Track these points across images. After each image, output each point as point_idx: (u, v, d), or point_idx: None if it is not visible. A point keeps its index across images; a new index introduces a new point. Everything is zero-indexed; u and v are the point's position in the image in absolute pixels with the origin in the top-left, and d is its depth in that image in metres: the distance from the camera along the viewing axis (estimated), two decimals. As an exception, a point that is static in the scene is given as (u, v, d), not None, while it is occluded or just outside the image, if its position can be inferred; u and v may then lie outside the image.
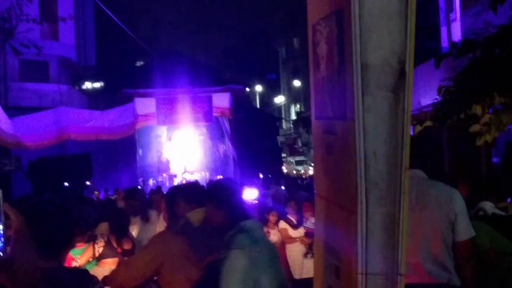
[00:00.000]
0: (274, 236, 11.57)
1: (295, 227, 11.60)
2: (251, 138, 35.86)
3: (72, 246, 3.94)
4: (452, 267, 4.81)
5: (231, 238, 4.30)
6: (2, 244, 1.92)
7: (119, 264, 5.77)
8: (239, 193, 4.81)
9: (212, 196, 4.64)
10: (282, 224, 11.78)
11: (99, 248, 7.93)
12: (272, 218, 11.81)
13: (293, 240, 11.59)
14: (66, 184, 24.88)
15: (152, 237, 5.42)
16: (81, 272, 3.08)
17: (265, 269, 4.20)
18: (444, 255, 4.78)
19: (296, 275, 11.39)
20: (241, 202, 4.64)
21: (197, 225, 4.65)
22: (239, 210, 4.48)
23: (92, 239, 8.22)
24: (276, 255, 4.55)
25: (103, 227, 8.57)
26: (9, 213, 1.97)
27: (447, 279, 4.76)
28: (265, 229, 11.48)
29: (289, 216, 11.87)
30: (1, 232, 1.94)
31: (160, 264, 4.53)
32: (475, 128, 9.94)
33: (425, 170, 4.99)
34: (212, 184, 5.54)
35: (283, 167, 52.76)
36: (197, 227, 4.63)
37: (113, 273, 4.82)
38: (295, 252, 11.48)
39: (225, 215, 4.44)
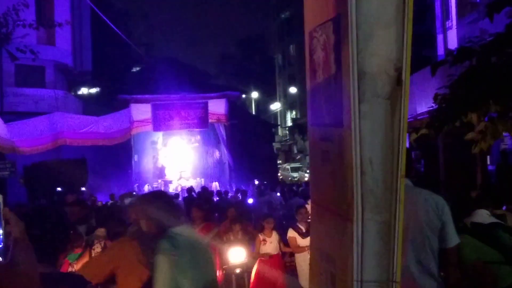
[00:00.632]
0: (270, 244, 11.32)
1: (304, 235, 11.04)
2: (246, 144, 35.80)
3: (66, 251, 4.01)
4: (438, 274, 4.83)
5: (158, 243, 4.73)
6: (2, 248, 1.92)
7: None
8: (168, 203, 5.19)
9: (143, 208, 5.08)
10: (291, 232, 11.33)
11: (96, 253, 7.91)
12: (267, 225, 11.45)
13: (301, 249, 11.06)
14: (59, 189, 24.70)
15: (114, 241, 6.27)
16: (77, 277, 3.09)
17: (185, 272, 4.62)
18: (431, 262, 4.80)
19: (305, 285, 11.04)
20: (170, 210, 5.01)
21: (146, 231, 5.07)
22: (168, 219, 4.90)
23: (89, 245, 8.20)
24: (199, 259, 4.88)
25: (101, 232, 8.55)
26: (9, 218, 1.97)
27: (434, 287, 4.77)
28: (261, 237, 11.33)
29: (299, 224, 11.33)
30: (1, 237, 1.93)
31: (116, 266, 5.02)
32: (471, 136, 9.95)
33: (410, 178, 5.00)
34: (144, 196, 5.93)
35: (279, 174, 52.72)
36: (148, 233, 5.03)
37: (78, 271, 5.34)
38: (304, 262, 10.82)
39: (155, 225, 4.91)
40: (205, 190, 24.39)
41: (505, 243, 5.71)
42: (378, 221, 2.88)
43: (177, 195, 23.94)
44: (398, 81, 2.81)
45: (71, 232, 7.95)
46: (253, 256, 11.28)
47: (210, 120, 31.96)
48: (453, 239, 4.88)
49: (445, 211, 4.89)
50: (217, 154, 36.06)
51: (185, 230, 4.95)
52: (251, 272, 11.37)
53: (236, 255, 10.97)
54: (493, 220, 6.10)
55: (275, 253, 11.37)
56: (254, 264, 11.38)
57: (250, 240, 11.66)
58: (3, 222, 1.93)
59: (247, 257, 11.09)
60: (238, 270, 11.01)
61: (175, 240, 4.70)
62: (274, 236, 11.46)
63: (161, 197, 5.34)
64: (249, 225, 13.25)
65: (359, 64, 2.82)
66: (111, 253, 5.35)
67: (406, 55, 2.80)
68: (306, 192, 21.39)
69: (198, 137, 36.04)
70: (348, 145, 2.90)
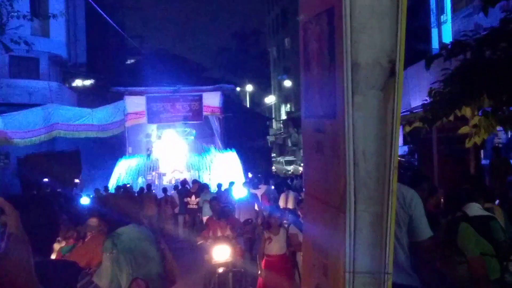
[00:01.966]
0: (276, 243, 10.45)
1: None
2: (241, 137, 35.87)
3: (56, 240, 4.16)
4: (410, 268, 4.81)
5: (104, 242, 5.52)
6: None
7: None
8: (117, 204, 5.95)
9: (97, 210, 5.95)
10: (292, 229, 10.43)
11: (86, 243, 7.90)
12: (274, 221, 10.67)
13: None
14: (45, 179, 24.60)
15: (90, 237, 7.44)
16: (71, 265, 3.10)
17: (123, 268, 5.25)
18: (400, 257, 4.76)
19: None
20: (118, 211, 5.70)
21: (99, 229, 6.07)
22: (116, 219, 5.59)
23: (81, 237, 8.21)
24: (139, 256, 5.44)
25: (93, 222, 8.56)
26: (5, 208, 1.97)
27: (407, 281, 4.74)
28: (266, 235, 10.53)
29: (301, 220, 10.09)
30: None
31: (90, 257, 5.96)
32: (464, 130, 9.97)
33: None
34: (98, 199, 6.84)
35: (273, 167, 52.79)
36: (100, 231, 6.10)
37: None
38: None
39: (107, 224, 5.80)
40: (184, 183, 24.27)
41: (498, 237, 5.76)
42: (371, 213, 2.88)
43: (176, 187, 23.93)
44: (392, 73, 2.81)
45: (61, 224, 7.99)
46: (259, 255, 10.63)
47: (204, 113, 32.06)
48: (424, 232, 4.84)
49: (413, 204, 4.86)
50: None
51: (128, 230, 5.55)
52: (237, 271, 10.86)
53: (220, 253, 10.61)
54: (484, 213, 6.14)
55: (282, 252, 10.53)
56: (241, 262, 10.99)
57: (239, 236, 11.31)
58: None
59: (233, 256, 10.72)
60: (221, 269, 10.60)
61: (116, 240, 5.36)
62: (282, 234, 10.59)
63: (109, 200, 6.26)
64: (238, 221, 12.83)
65: (352, 55, 2.82)
66: (86, 247, 6.44)
67: (400, 47, 2.80)
68: (300, 186, 21.44)
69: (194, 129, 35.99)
70: (341, 136, 2.90)
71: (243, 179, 26.69)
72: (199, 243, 11.46)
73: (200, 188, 21.77)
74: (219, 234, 11.02)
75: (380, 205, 2.88)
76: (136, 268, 5.29)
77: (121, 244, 5.32)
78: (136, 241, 5.48)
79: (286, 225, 11.04)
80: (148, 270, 5.37)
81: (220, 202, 13.01)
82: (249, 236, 12.87)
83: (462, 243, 5.60)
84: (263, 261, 10.48)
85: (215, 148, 32.61)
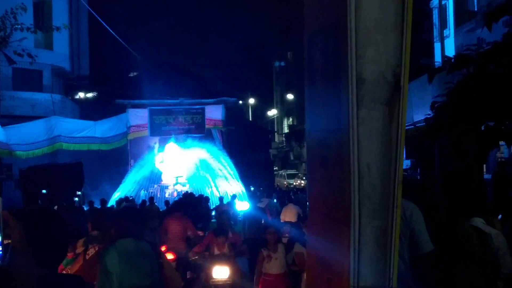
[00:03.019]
0: (276, 260, 9.39)
1: None
2: (243, 150, 35.85)
3: (66, 255, 4.16)
4: (411, 280, 4.78)
5: None
6: (0, 251, 1.94)
7: None
8: (118, 218, 6.17)
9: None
10: (298, 247, 9.41)
11: (90, 257, 7.84)
12: (270, 236, 9.58)
13: None
14: (44, 191, 24.52)
15: (95, 251, 7.56)
16: (76, 279, 3.09)
17: (112, 278, 5.38)
18: (401, 269, 4.71)
19: None
20: (119, 224, 5.88)
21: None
22: (116, 232, 5.83)
23: (83, 249, 8.15)
24: (130, 268, 5.53)
25: (95, 234, 8.51)
26: (9, 221, 1.98)
27: None
28: (265, 253, 9.43)
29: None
30: (0, 239, 1.95)
31: (95, 272, 5.99)
32: (467, 144, 9.94)
33: None
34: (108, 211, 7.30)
35: (284, 182, 52.70)
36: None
37: None
38: None
39: (107, 237, 6.20)
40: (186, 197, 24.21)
41: (492, 247, 5.83)
42: (375, 227, 2.87)
43: (181, 200, 23.86)
44: (397, 87, 2.81)
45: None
46: (256, 276, 9.58)
47: (207, 126, 32.16)
48: (426, 246, 4.82)
49: (413, 218, 4.82)
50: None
51: (125, 243, 5.66)
52: None
53: (218, 272, 9.97)
54: (488, 228, 6.17)
55: (282, 271, 9.46)
56: (239, 283, 10.22)
57: (239, 256, 10.67)
58: (1, 225, 1.94)
59: (232, 276, 10.01)
60: None
61: (108, 251, 5.55)
62: (280, 251, 9.55)
63: (115, 215, 6.61)
64: (238, 237, 11.91)
65: (357, 69, 2.82)
66: (90, 262, 6.77)
67: (405, 61, 2.80)
68: (301, 199, 21.35)
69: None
70: (346, 150, 2.90)
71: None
72: (192, 258, 10.90)
73: (199, 201, 21.68)
74: (216, 251, 10.26)
75: (385, 219, 2.87)
76: (127, 281, 5.43)
77: (113, 257, 5.47)
78: (130, 254, 5.58)
79: (285, 238, 10.52)
80: (140, 283, 5.50)
81: (229, 217, 12.26)
82: (248, 257, 11.90)
83: (465, 239, 5.61)
84: (261, 280, 9.51)
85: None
